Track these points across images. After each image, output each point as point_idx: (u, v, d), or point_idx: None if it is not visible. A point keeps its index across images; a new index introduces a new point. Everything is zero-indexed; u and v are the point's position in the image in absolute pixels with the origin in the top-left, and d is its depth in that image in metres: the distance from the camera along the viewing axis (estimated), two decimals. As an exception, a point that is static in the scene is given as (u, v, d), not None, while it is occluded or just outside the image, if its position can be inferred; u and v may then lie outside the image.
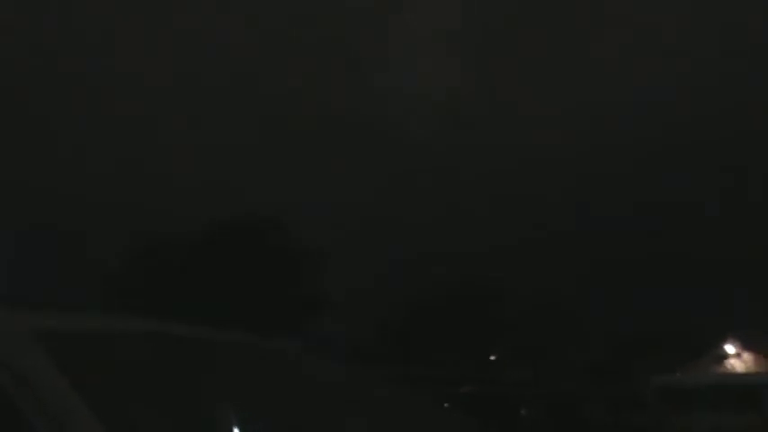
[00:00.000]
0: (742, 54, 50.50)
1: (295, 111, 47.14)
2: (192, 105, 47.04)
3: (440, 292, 41.23)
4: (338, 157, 45.68)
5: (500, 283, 40.67)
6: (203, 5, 51.06)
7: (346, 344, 35.33)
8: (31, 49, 47.19)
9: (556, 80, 52.61)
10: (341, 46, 52.83)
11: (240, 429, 2.46)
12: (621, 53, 53.50)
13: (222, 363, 2.77)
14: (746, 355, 37.32)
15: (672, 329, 41.85)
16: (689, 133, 48.80)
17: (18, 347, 2.26)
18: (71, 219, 37.01)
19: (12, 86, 43.46)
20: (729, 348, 37.85)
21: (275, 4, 51.54)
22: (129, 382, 2.38)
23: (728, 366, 37.03)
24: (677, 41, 52.61)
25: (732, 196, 45.38)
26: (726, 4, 49.91)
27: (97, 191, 40.22)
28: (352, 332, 37.52)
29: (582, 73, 52.61)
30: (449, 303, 40.87)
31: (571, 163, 48.51)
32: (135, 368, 2.48)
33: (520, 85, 53.31)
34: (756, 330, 36.73)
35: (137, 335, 2.67)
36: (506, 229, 44.15)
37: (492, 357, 40.54)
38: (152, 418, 2.29)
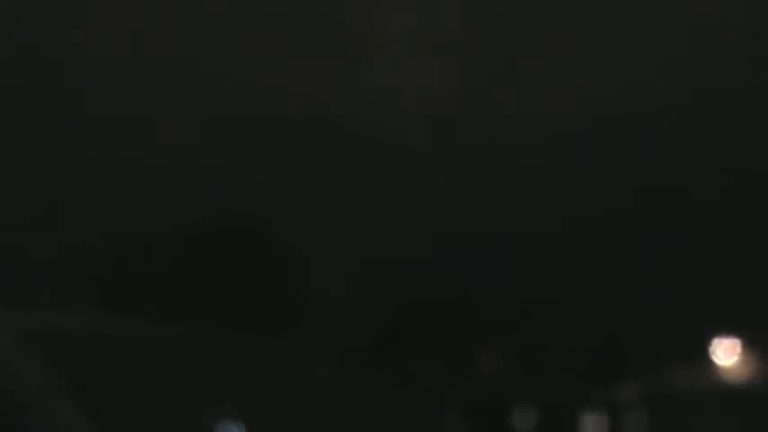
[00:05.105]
0: (743, 54, 50.50)
1: (294, 111, 47.07)
2: (186, 105, 46.91)
3: (434, 295, 41.21)
4: (333, 157, 45.59)
5: (494, 284, 40.65)
6: (203, 6, 51.00)
7: (337, 344, 35.26)
8: (30, 50, 47.16)
9: (554, 80, 52.55)
10: (337, 45, 52.72)
11: (233, 430, 2.46)
12: (621, 53, 53.48)
13: (215, 364, 2.77)
14: (745, 358, 37.33)
15: (669, 330, 41.85)
16: (688, 133, 48.78)
17: (10, 349, 2.26)
18: (63, 218, 36.98)
19: (11, 86, 43.41)
20: (727, 350, 37.85)
21: (273, 4, 51.50)
22: (121, 384, 2.38)
23: (726, 369, 37.03)
24: (677, 41, 52.62)
25: (732, 196, 45.35)
26: (726, 4, 49.92)
27: (93, 191, 40.16)
28: (342, 332, 37.44)
29: (581, 73, 52.58)
30: (440, 305, 40.85)
31: (570, 163, 48.46)
32: (128, 370, 2.48)
33: (518, 85, 53.28)
34: (756, 332, 36.72)
35: (128, 336, 2.68)
36: (503, 230, 44.08)
37: (487, 360, 40.53)
38: (145, 420, 2.29)
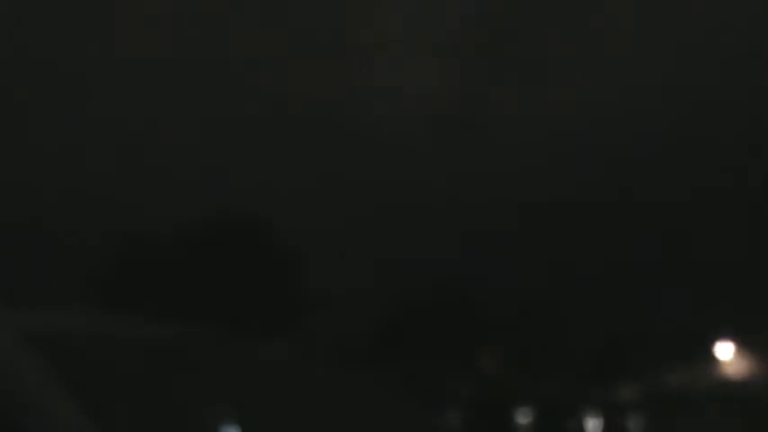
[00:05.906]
0: (743, 54, 50.51)
1: (294, 111, 47.06)
2: (186, 105, 46.89)
3: (434, 295, 41.18)
4: (333, 157, 45.58)
5: (494, 284, 40.64)
6: (203, 6, 51.01)
7: (337, 344, 35.28)
8: (31, 50, 47.18)
9: (554, 80, 52.57)
10: (337, 45, 52.76)
11: (233, 431, 2.46)
12: (621, 53, 53.49)
13: (214, 364, 2.76)
14: (745, 358, 37.33)
15: (669, 330, 41.85)
16: (688, 133, 48.79)
17: (10, 349, 2.26)
18: (63, 218, 36.96)
19: (11, 86, 43.42)
20: (726, 351, 37.85)
21: (273, 4, 51.51)
22: (121, 384, 2.38)
23: (726, 369, 37.04)
24: (677, 41, 52.63)
25: (732, 196, 45.34)
26: (726, 4, 49.93)
27: (93, 191, 40.15)
28: (342, 332, 37.43)
29: (581, 73, 52.59)
30: (440, 305, 40.81)
31: (570, 163, 48.46)
32: (128, 370, 2.48)
33: (518, 85, 53.33)
34: (755, 333, 36.72)
35: (128, 336, 2.67)
36: (503, 230, 44.06)
37: (487, 360, 40.51)
38: (145, 420, 2.29)
